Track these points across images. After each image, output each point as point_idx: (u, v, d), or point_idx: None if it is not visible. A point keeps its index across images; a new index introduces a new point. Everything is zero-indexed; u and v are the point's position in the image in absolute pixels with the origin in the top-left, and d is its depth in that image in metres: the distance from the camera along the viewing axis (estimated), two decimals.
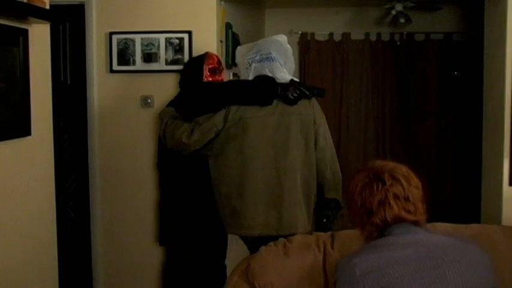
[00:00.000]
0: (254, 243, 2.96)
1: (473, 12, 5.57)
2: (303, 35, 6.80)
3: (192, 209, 3.36)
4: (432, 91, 6.49)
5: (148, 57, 3.76)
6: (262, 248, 2.63)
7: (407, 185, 1.94)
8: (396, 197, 1.92)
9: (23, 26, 2.51)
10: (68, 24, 3.80)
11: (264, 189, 3.06)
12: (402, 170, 1.99)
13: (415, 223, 1.93)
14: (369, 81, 6.70)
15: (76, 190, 3.88)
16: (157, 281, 3.85)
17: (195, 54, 3.69)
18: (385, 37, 6.74)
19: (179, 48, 3.73)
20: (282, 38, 3.27)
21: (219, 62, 3.45)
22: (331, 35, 6.78)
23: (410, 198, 1.93)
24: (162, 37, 3.74)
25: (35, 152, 2.68)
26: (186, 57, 3.72)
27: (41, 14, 2.49)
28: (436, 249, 1.85)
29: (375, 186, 1.93)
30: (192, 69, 3.46)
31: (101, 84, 3.81)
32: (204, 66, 3.39)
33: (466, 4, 6.29)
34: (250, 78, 3.19)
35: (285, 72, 3.17)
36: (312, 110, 3.17)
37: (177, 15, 3.73)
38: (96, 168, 3.85)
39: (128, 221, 3.86)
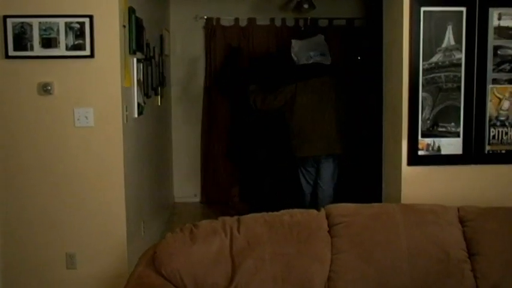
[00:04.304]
0: (310, 161, 5.37)
1: None
2: (209, 20, 6.78)
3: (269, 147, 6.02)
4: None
5: (48, 43, 3.61)
6: (168, 234, 2.62)
7: None
8: None
9: None
10: None
11: (317, 129, 5.13)
12: None
13: None
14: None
15: None
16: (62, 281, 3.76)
17: (97, 39, 3.60)
18: (290, 22, 6.83)
19: (80, 33, 3.61)
20: (323, 37, 5.53)
21: None
22: (236, 20, 6.80)
23: None
24: (61, 21, 3.59)
25: None
26: (88, 43, 3.60)
27: None
28: None
29: None
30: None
31: None
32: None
33: None
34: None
35: (329, 60, 5.35)
36: (340, 81, 5.31)
37: None
38: None
39: (30, 217, 3.71)
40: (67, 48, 3.61)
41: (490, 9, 3.34)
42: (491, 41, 3.36)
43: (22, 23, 3.57)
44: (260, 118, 6.10)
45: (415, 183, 3.43)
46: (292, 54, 5.37)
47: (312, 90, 5.15)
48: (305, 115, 5.16)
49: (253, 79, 5.79)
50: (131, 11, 4.04)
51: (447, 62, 3.36)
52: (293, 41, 5.43)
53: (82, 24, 3.59)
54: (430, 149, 3.40)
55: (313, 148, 5.20)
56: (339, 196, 5.17)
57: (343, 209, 2.92)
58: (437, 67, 3.36)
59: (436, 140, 3.40)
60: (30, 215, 3.71)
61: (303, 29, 6.74)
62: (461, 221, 2.91)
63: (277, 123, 5.68)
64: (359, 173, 6.45)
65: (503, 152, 3.43)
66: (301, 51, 5.31)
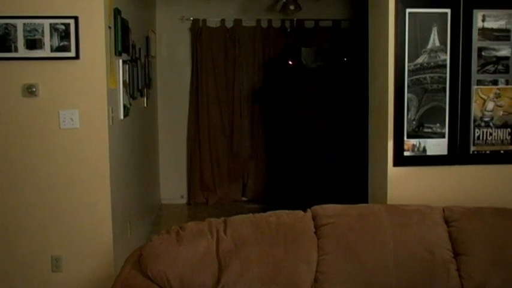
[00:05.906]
0: (311, 155, 6.25)
1: None
2: (195, 21, 6.77)
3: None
4: (322, 77, 6.66)
5: (32, 44, 3.58)
6: (155, 236, 2.61)
7: None
8: None
9: None
10: None
11: (313, 127, 6.20)
12: None
13: None
14: (261, 66, 6.80)
15: None
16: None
17: (82, 40, 3.57)
18: (276, 24, 6.84)
19: (65, 35, 3.58)
20: (327, 46, 6.57)
21: None
22: (222, 21, 6.80)
23: None
24: (46, 23, 3.57)
25: None
26: (73, 44, 3.58)
27: None
28: None
29: None
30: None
31: None
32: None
33: None
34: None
35: (330, 65, 6.31)
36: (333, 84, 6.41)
37: (62, 0, 3.58)
38: None
39: (14, 220, 3.68)
40: (52, 50, 3.58)
41: (474, 11, 3.37)
42: (476, 42, 3.39)
43: (6, 24, 3.54)
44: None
45: (401, 184, 3.45)
46: (302, 59, 6.27)
47: (312, 92, 6.19)
48: (305, 113, 6.18)
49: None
50: (117, 12, 4.03)
51: (432, 63, 3.38)
52: (302, 48, 6.35)
53: (67, 25, 3.57)
54: (416, 149, 3.41)
55: (311, 143, 6.17)
56: (327, 197, 5.18)
57: (330, 209, 2.92)
58: (422, 68, 3.38)
59: (422, 140, 3.42)
60: (15, 218, 3.68)
61: (288, 30, 6.76)
62: (447, 221, 2.93)
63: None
64: (346, 173, 6.48)
65: (488, 152, 3.45)
66: (308, 56, 6.27)
